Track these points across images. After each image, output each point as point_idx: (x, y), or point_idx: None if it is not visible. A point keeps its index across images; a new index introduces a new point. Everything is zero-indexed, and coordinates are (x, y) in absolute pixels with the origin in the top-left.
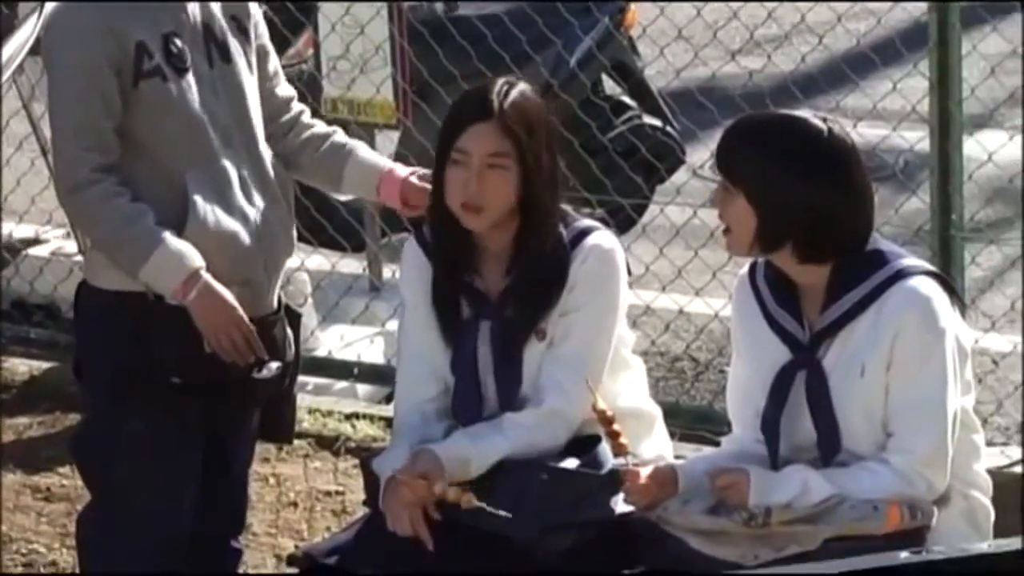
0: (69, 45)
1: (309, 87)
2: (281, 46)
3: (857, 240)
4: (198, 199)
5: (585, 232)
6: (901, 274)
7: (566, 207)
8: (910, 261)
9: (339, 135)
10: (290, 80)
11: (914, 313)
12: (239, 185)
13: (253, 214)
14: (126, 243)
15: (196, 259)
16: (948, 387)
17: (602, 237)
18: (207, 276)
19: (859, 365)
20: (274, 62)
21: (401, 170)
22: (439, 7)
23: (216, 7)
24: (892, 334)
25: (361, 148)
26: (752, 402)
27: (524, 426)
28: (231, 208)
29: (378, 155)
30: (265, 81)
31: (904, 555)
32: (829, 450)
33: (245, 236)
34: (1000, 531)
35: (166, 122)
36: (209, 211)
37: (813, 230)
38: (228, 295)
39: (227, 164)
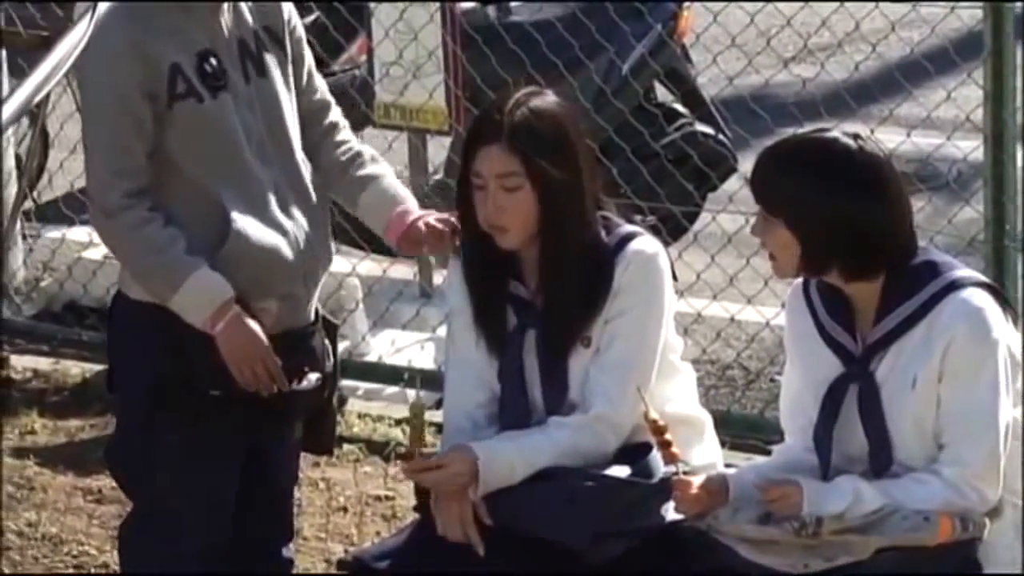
0: (101, 68)
1: (362, 92)
2: (334, 51)
3: (903, 252)
4: (236, 215)
5: (628, 238)
6: (953, 286)
7: (609, 213)
8: (962, 272)
9: (365, 160)
10: (343, 86)
11: (966, 325)
12: (276, 199)
13: (291, 227)
14: (156, 272)
15: (226, 291)
16: (1000, 398)
17: (645, 243)
18: (236, 308)
19: (911, 377)
20: (309, 68)
21: (413, 212)
22: (492, 12)
23: (250, 18)
24: (944, 346)
25: (383, 180)
26: (804, 413)
27: (569, 429)
28: (269, 222)
29: (399, 192)
30: (301, 89)
31: None
32: (881, 463)
33: (285, 250)
34: None
35: (201, 142)
36: (248, 226)
37: (857, 248)
38: (256, 328)
39: (263, 178)
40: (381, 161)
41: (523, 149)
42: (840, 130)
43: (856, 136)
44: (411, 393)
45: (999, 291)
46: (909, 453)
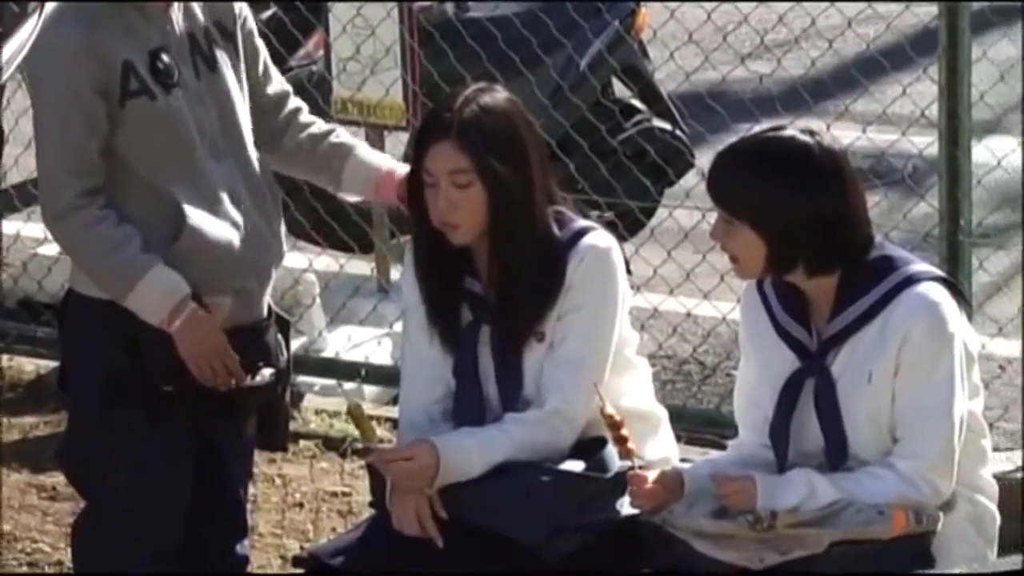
0: (53, 67)
1: (319, 88)
2: (291, 47)
3: (863, 245)
4: (189, 211)
5: (581, 233)
6: (909, 280)
7: (563, 208)
8: (918, 267)
9: (339, 133)
10: (300, 81)
11: (921, 319)
12: (229, 194)
13: (245, 222)
14: (111, 272)
15: (182, 288)
16: (955, 393)
17: (598, 237)
18: (192, 305)
19: (867, 372)
20: (264, 59)
21: (402, 169)
22: (450, 8)
23: (200, 14)
24: (900, 340)
25: (361, 147)
26: (760, 408)
27: (525, 425)
28: (223, 218)
29: (380, 154)
30: (256, 80)
31: None
32: (837, 457)
33: (239, 245)
34: (1006, 537)
35: (153, 139)
36: (202, 222)
37: (823, 245)
38: (213, 323)
39: (216, 174)
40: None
41: (472, 145)
42: (794, 127)
43: (811, 132)
44: (368, 390)
45: (955, 285)
46: (864, 447)
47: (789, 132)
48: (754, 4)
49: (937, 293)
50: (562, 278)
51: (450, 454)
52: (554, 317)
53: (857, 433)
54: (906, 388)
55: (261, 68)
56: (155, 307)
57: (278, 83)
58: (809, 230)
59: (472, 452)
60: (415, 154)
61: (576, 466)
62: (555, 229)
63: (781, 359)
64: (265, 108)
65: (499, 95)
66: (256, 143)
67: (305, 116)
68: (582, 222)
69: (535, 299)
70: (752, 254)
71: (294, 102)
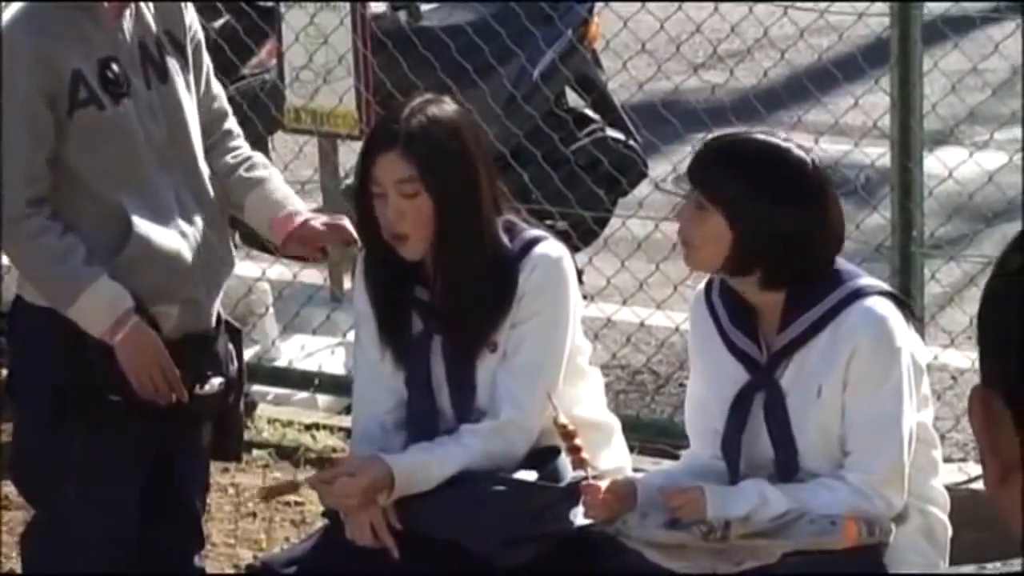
0: (5, 75)
1: (272, 96)
2: (244, 55)
3: (821, 271)
4: (137, 220)
5: (532, 242)
6: (857, 294)
7: (513, 218)
8: (865, 281)
9: (254, 165)
10: (253, 90)
11: (869, 334)
12: (177, 204)
13: (193, 232)
14: (55, 282)
15: (125, 300)
16: (904, 407)
17: (549, 247)
18: (135, 318)
19: (816, 386)
20: (208, 74)
21: (302, 216)
22: (402, 17)
23: (152, 23)
24: (848, 355)
25: (270, 184)
26: (710, 420)
27: (481, 436)
28: (170, 227)
29: (288, 195)
30: (199, 94)
31: None
32: (788, 470)
33: (187, 254)
34: (957, 548)
35: (101, 149)
36: (149, 231)
37: (785, 260)
38: (155, 337)
39: (164, 184)
40: (272, 168)
41: (418, 155)
42: (795, 142)
43: (807, 150)
44: (321, 399)
45: (902, 300)
46: (815, 460)
47: (789, 143)
48: (707, 13)
49: (884, 307)
50: (513, 288)
51: (406, 472)
52: (507, 327)
53: (807, 446)
54: (855, 403)
55: (204, 82)
56: (97, 319)
57: (218, 101)
58: (779, 241)
59: (431, 469)
60: (362, 166)
61: (529, 476)
62: (505, 239)
63: (731, 372)
64: (205, 124)
65: (447, 106)
66: None
67: (233, 141)
68: (533, 231)
69: (484, 310)
70: (714, 245)
71: (228, 123)
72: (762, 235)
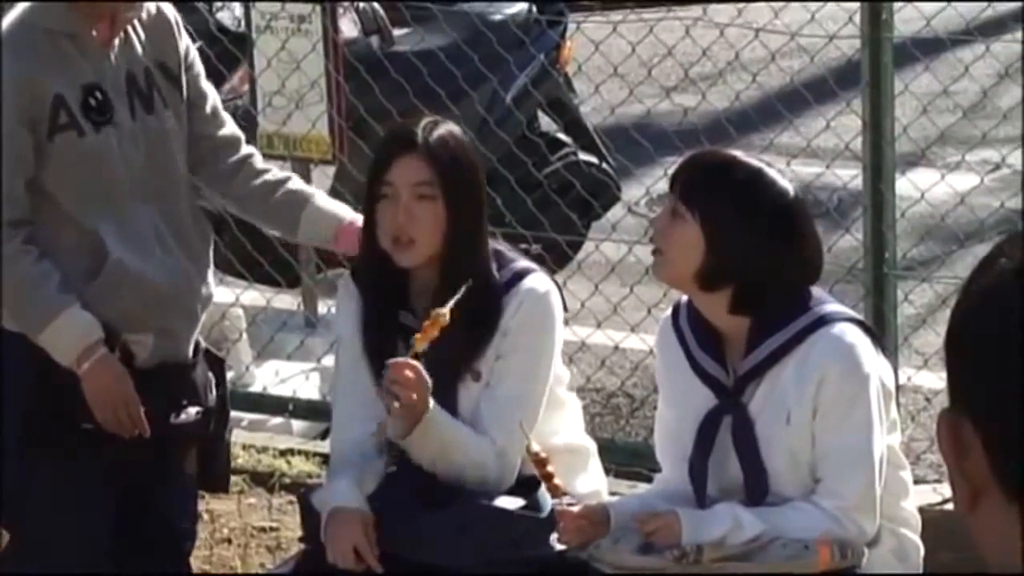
0: None
1: (244, 122)
2: (216, 81)
3: (788, 300)
4: (112, 246)
5: (521, 275)
6: (823, 320)
7: (500, 246)
8: (832, 307)
9: (295, 181)
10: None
11: (837, 362)
12: (155, 235)
13: (170, 263)
14: (26, 308)
15: (94, 331)
16: (874, 433)
17: (537, 280)
18: (103, 350)
19: (785, 413)
20: (213, 102)
21: (360, 219)
22: (375, 42)
23: (142, 53)
24: (816, 383)
25: (319, 197)
26: (680, 445)
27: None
28: (146, 257)
29: (337, 204)
30: (203, 121)
31: None
32: (757, 494)
33: (162, 285)
34: (933, 568)
35: (79, 176)
36: (124, 259)
37: (754, 285)
38: (122, 370)
39: (141, 214)
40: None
41: (439, 161)
42: (783, 175)
43: (795, 186)
44: (296, 424)
45: (868, 327)
46: (785, 485)
47: (776, 175)
48: (679, 36)
49: (852, 334)
50: (497, 319)
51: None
52: (491, 357)
53: (777, 471)
54: (825, 430)
55: (209, 110)
56: (66, 348)
57: (229, 127)
58: (751, 265)
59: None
60: (375, 168)
61: (513, 503)
62: (493, 268)
63: (698, 396)
64: (215, 150)
65: (456, 128)
66: (209, 185)
67: (259, 163)
68: (522, 263)
69: (468, 338)
70: (686, 254)
71: (247, 148)
72: (736, 250)
